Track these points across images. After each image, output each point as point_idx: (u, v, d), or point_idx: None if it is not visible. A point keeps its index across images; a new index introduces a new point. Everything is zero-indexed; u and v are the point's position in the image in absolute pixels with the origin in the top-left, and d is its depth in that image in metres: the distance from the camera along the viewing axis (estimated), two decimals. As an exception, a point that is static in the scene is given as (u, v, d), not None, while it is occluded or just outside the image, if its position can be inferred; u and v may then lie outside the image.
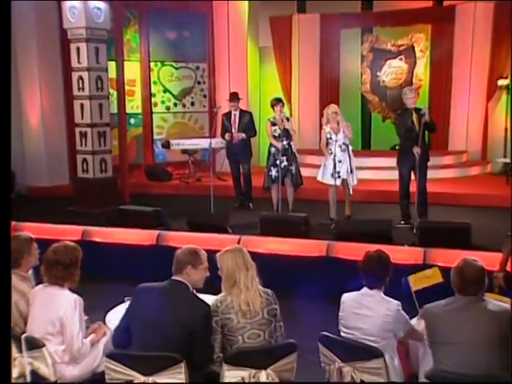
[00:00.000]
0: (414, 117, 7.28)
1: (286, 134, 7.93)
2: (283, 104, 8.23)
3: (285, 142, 7.96)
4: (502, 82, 11.12)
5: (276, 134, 8.02)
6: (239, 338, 3.31)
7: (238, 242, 6.63)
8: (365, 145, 13.42)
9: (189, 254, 3.47)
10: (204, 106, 12.29)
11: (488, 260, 4.08)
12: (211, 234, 6.82)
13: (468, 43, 11.68)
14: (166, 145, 10.69)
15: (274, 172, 8.03)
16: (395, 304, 3.45)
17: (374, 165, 10.64)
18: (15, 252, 3.55)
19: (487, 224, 7.17)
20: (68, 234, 6.88)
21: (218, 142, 10.05)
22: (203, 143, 10.46)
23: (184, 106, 12.18)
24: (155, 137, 11.79)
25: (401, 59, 13.06)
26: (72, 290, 3.47)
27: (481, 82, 11.73)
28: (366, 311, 3.43)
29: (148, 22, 11.45)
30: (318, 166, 10.31)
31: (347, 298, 3.63)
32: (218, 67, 12.13)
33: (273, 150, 8.08)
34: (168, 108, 12.03)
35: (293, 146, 8.10)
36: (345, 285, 6.16)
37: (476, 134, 11.86)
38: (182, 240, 6.78)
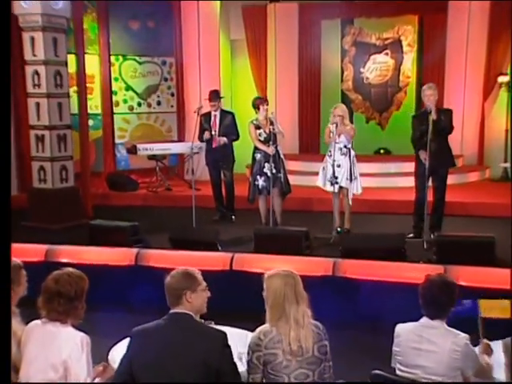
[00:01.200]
0: (434, 118, 7.05)
1: (273, 138, 7.76)
2: (268, 103, 8.06)
3: (272, 147, 7.79)
4: (502, 79, 11.21)
5: (262, 138, 7.84)
6: (284, 378, 3.10)
7: (231, 261, 6.46)
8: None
9: (182, 278, 3.25)
10: (172, 106, 12.01)
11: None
12: (199, 251, 6.60)
13: (463, 36, 11.73)
14: (132, 150, 10.37)
15: (260, 181, 7.84)
16: (463, 337, 3.25)
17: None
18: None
19: (501, 237, 7.15)
20: (28, 254, 6.51)
21: (195, 146, 9.89)
22: (174, 148, 10.24)
23: (149, 105, 11.88)
24: (117, 140, 11.44)
25: (386, 54, 13.11)
26: (76, 327, 3.20)
27: (477, 80, 11.81)
28: (429, 346, 3.24)
29: (108, 10, 11.11)
30: (300, 173, 10.33)
31: (403, 329, 3.43)
32: (187, 62, 11.85)
33: (258, 156, 7.88)
34: (131, 108, 11.70)
35: (280, 151, 7.94)
36: (355, 307, 6.10)
37: (472, 137, 11.94)
38: (165, 259, 6.56)
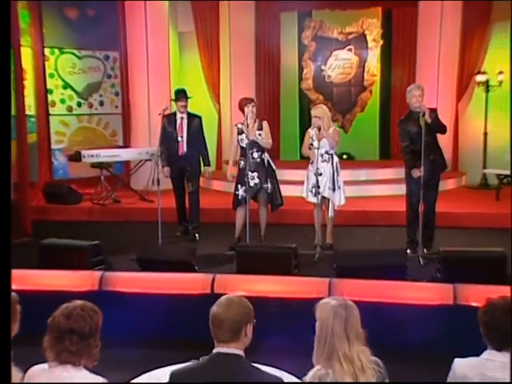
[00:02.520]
0: (423, 120, 7.07)
1: (258, 145, 7.64)
2: (254, 103, 7.86)
3: (256, 155, 7.65)
4: (480, 78, 11.41)
5: (243, 145, 7.66)
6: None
7: (212, 283, 6.24)
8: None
9: (242, 307, 3.06)
10: (116, 107, 11.72)
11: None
12: (174, 273, 6.37)
13: (435, 32, 11.88)
14: (76, 157, 9.99)
15: (241, 191, 7.71)
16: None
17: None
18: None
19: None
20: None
21: (147, 152, 9.76)
22: (124, 154, 9.97)
23: (91, 106, 11.57)
24: (54, 146, 11.05)
25: (350, 50, 13.20)
26: (91, 370, 2.95)
27: (450, 79, 12.02)
28: (495, 387, 3.09)
29: (40, -5, 10.76)
30: None
31: (462, 365, 3.21)
32: (134, 57, 11.59)
33: (242, 163, 7.72)
34: (70, 109, 11.35)
35: (266, 159, 7.78)
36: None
37: (445, 141, 12.05)
38: (135, 282, 6.32)
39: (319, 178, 7.43)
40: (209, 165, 8.43)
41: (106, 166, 10.31)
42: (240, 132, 7.71)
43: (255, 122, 7.75)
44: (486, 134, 11.45)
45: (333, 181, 7.51)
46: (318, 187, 7.42)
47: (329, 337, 2.97)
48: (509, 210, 9.24)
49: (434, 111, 7.35)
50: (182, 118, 8.23)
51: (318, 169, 7.34)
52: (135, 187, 10.71)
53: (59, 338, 2.89)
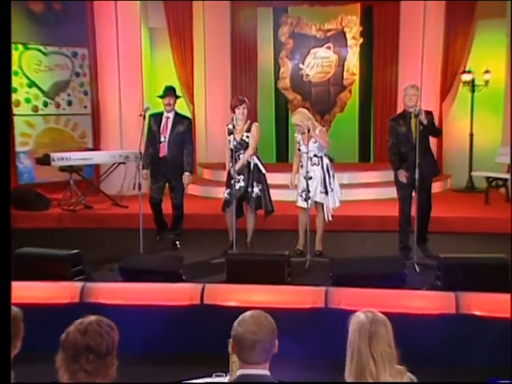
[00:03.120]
0: (414, 121, 7.22)
1: (245, 147, 7.63)
2: (246, 105, 7.81)
3: (242, 157, 7.67)
4: (466, 78, 11.52)
5: (231, 146, 7.63)
6: None
7: (202, 294, 6.16)
8: (280, 157, 13.40)
9: (272, 324, 3.01)
10: (85, 107, 11.56)
11: None
12: (160, 283, 6.26)
13: (418, 29, 12.01)
14: (44, 160, 9.79)
15: (225, 194, 7.80)
16: None
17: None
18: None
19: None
20: None
21: (121, 154, 9.62)
22: (97, 157, 9.83)
23: (58, 106, 11.40)
24: (18, 148, 10.84)
25: (328, 48, 13.21)
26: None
27: (434, 78, 12.12)
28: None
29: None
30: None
31: None
32: (103, 54, 11.48)
33: (230, 165, 7.74)
34: (35, 109, 11.17)
35: (253, 162, 7.74)
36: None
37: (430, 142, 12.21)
38: (119, 294, 6.20)
39: (309, 182, 7.46)
40: (191, 171, 8.11)
41: (77, 169, 10.14)
42: (230, 132, 7.68)
43: (245, 123, 7.71)
44: (471, 135, 11.55)
45: (324, 184, 7.50)
46: (308, 191, 7.44)
47: (355, 354, 2.92)
48: (498, 214, 9.41)
49: (429, 114, 7.41)
50: (167, 118, 8.00)
51: (307, 172, 7.35)
52: (106, 192, 10.55)
53: (74, 357, 2.78)
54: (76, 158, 9.81)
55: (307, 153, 7.47)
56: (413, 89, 7.43)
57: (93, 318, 2.91)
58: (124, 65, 11.38)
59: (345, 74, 13.19)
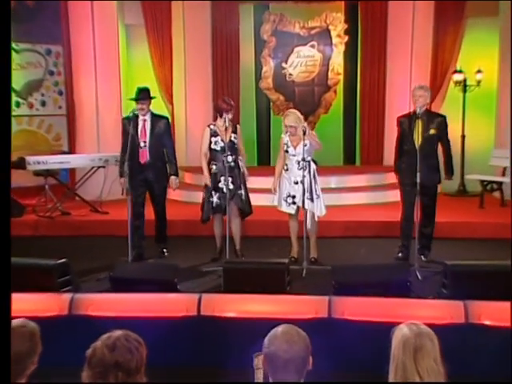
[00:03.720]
0: (420, 123, 7.28)
1: (232, 148, 7.61)
2: (233, 109, 7.87)
3: (230, 159, 7.62)
4: (457, 77, 11.58)
5: (217, 148, 7.66)
6: None
7: (198, 304, 6.10)
8: (262, 160, 13.37)
9: (305, 338, 2.96)
10: (60, 108, 11.43)
11: None
12: (154, 294, 6.19)
13: (406, 27, 12.09)
14: (19, 164, 9.63)
15: (215, 198, 7.73)
16: None
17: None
18: (17, 356, 2.89)
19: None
20: None
21: (100, 158, 9.53)
22: (75, 161, 9.73)
23: (31, 106, 11.30)
24: (-12, 151, 10.64)
25: (312, 46, 13.24)
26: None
27: (423, 78, 12.15)
28: None
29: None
30: None
31: None
32: (79, 51, 11.35)
33: (213, 168, 7.73)
34: (7, 109, 10.97)
35: (241, 164, 7.76)
36: (359, 356, 5.94)
37: (419, 144, 12.31)
38: (110, 305, 6.11)
39: (295, 186, 7.51)
40: (176, 174, 7.99)
41: (53, 173, 10.00)
42: (214, 134, 7.66)
43: (228, 125, 7.70)
44: (463, 137, 11.61)
45: (310, 190, 7.48)
46: (293, 197, 7.49)
47: (399, 370, 2.88)
48: (494, 218, 9.49)
49: (439, 117, 7.46)
50: (144, 121, 7.80)
51: (295, 176, 7.38)
52: (83, 197, 10.42)
53: (102, 374, 2.72)
54: (53, 161, 9.67)
55: (295, 156, 7.48)
56: (420, 90, 7.48)
57: (120, 332, 2.86)
58: (101, 63, 11.28)
59: (330, 73, 13.23)
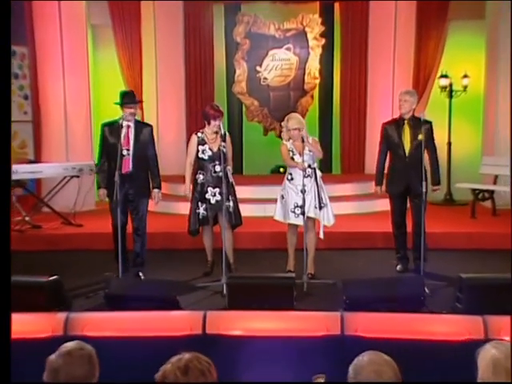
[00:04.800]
0: (407, 130, 7.48)
1: (221, 158, 7.52)
2: (222, 117, 7.80)
3: (218, 168, 7.55)
4: (443, 83, 11.74)
5: (205, 157, 7.60)
6: None
7: (203, 322, 6.03)
8: (234, 169, 13.28)
9: (394, 372, 2.92)
10: (25, 113, 11.22)
11: None
12: (154, 311, 6.10)
13: (388, 31, 12.23)
14: (-14, 173, 9.43)
15: (201, 209, 7.68)
16: None
17: (248, 196, 10.12)
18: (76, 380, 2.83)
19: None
20: None
21: (74, 166, 9.41)
22: (47, 170, 9.56)
23: (-6, 111, 10.96)
24: None
25: (288, 49, 13.30)
26: None
27: (406, 83, 12.29)
28: None
29: None
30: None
31: None
32: (46, 53, 11.19)
33: (201, 177, 7.66)
34: (-32, 115, 10.71)
35: (229, 173, 7.70)
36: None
37: (403, 152, 12.42)
38: (107, 325, 5.96)
39: (302, 195, 7.40)
40: (159, 187, 7.72)
41: (22, 184, 9.79)
42: (201, 142, 7.60)
43: (217, 133, 7.65)
44: (450, 144, 11.74)
45: (318, 198, 7.47)
46: (301, 207, 7.41)
47: None
48: (488, 228, 9.60)
49: (427, 123, 7.55)
50: (128, 127, 7.47)
51: (305, 185, 7.30)
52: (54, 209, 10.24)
53: None
54: (24, 171, 9.41)
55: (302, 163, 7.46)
56: (406, 95, 7.63)
57: (189, 354, 2.83)
58: (69, 66, 11.15)
59: (306, 77, 13.29)
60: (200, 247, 7.95)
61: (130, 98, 7.58)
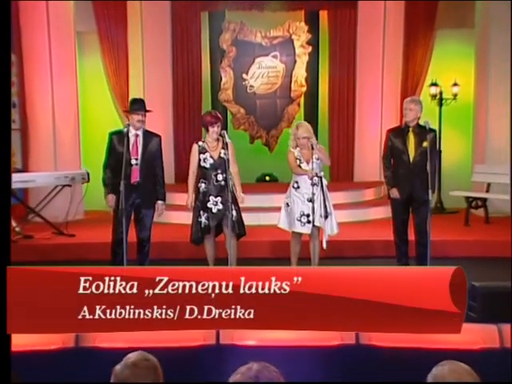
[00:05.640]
0: (411, 138, 7.56)
1: (222, 166, 7.53)
2: (221, 122, 7.84)
3: (220, 177, 7.56)
4: (433, 91, 11.84)
5: (207, 165, 7.59)
6: None
7: (217, 332, 6.00)
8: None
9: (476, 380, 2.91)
10: (13, 121, 11.03)
11: None
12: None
13: (377, 37, 12.34)
14: (-22, 182, 9.31)
15: (203, 218, 7.66)
16: None
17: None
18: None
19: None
20: None
21: (66, 175, 9.33)
22: (40, 179, 9.47)
23: (-20, 120, 10.81)
24: None
25: (275, 57, 13.32)
26: None
27: (395, 91, 12.41)
28: None
29: None
30: (183, 209, 10.08)
31: None
32: (33, 61, 11.08)
33: (202, 186, 7.65)
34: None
35: (230, 183, 7.68)
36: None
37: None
38: (120, 336, 5.91)
39: (310, 204, 7.48)
40: (163, 199, 7.73)
41: (13, 193, 9.67)
42: (202, 151, 7.59)
43: (218, 140, 7.64)
44: (440, 151, 11.81)
45: (324, 207, 7.49)
46: (308, 216, 7.47)
47: None
48: (483, 236, 9.69)
49: (431, 132, 7.59)
50: (136, 136, 7.47)
51: (314, 194, 7.34)
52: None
53: None
54: (16, 180, 9.25)
55: (307, 171, 7.49)
56: (411, 103, 7.68)
57: (258, 364, 2.80)
58: (57, 73, 11.07)
59: (293, 85, 13.31)
60: (200, 257, 7.89)
61: (138, 105, 7.55)
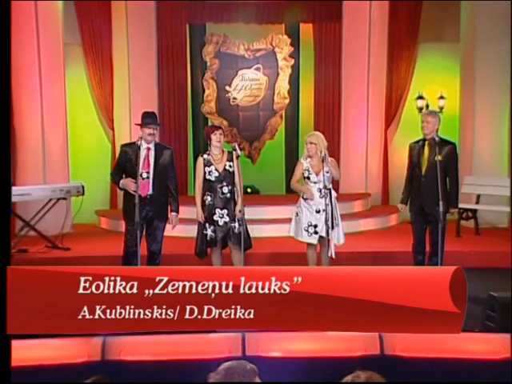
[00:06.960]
0: (426, 150, 7.63)
1: (228, 178, 7.60)
2: (223, 130, 7.92)
3: (225, 190, 7.63)
4: (421, 103, 12.06)
5: (212, 178, 7.65)
6: None
7: (243, 344, 6.04)
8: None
9: None
10: (1, 133, 10.93)
11: None
12: (192, 334, 6.05)
13: (362, 50, 12.47)
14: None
15: (209, 231, 7.68)
16: None
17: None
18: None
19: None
20: None
21: (61, 188, 9.29)
22: (35, 192, 9.41)
23: (-32, 132, 10.66)
24: None
25: (258, 69, 13.45)
26: None
27: (379, 103, 12.59)
28: None
29: None
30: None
31: None
32: (21, 73, 10.95)
33: (208, 199, 7.68)
34: None
35: (236, 194, 7.71)
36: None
37: (375, 172, 12.65)
38: (145, 349, 5.89)
39: (317, 215, 7.57)
40: (177, 211, 7.67)
41: (6, 206, 9.60)
42: (207, 163, 7.64)
43: (223, 152, 7.71)
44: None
45: (332, 218, 7.59)
46: (315, 226, 7.58)
47: None
48: (476, 247, 9.86)
49: (448, 145, 7.73)
50: (148, 149, 7.47)
51: (326, 205, 7.44)
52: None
53: None
54: (14, 193, 9.20)
55: (316, 183, 7.59)
56: (428, 116, 7.79)
57: (364, 373, 2.85)
58: (47, 84, 11.00)
59: (275, 97, 13.43)
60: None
61: (149, 119, 7.56)
